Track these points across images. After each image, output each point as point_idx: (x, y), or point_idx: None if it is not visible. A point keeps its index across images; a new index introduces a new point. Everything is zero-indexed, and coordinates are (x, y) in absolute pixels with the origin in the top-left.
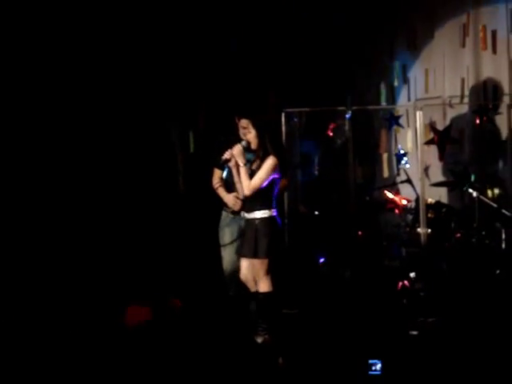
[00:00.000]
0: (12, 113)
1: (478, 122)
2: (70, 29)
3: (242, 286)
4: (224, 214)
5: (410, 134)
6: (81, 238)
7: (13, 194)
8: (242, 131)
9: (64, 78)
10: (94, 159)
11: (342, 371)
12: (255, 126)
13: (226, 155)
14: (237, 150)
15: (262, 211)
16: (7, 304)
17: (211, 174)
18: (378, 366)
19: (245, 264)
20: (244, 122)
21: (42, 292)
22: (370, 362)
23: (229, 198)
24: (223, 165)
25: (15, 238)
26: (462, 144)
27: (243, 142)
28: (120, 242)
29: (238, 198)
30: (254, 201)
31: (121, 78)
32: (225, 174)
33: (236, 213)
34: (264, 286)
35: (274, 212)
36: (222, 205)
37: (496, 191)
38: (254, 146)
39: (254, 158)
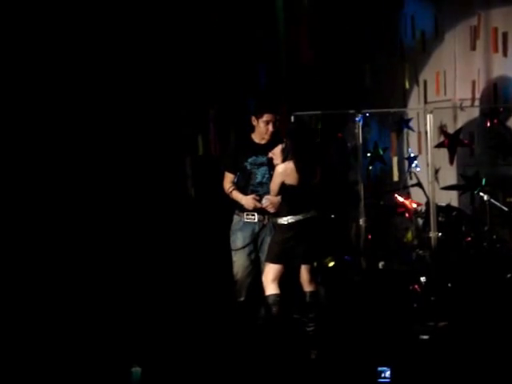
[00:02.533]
0: (16, 113)
1: (488, 124)
2: (75, 30)
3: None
4: (236, 218)
5: (420, 137)
6: (86, 241)
7: (21, 197)
8: (264, 128)
9: (71, 81)
10: (100, 162)
11: (350, 377)
12: (288, 132)
13: (270, 154)
14: (277, 149)
15: (278, 217)
16: (7, 304)
17: (222, 178)
18: (387, 374)
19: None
20: (269, 116)
21: (44, 293)
22: (379, 369)
23: (247, 200)
24: (235, 168)
25: (17, 240)
26: (472, 147)
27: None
28: (127, 246)
29: (256, 199)
30: (279, 206)
31: (129, 81)
32: (235, 178)
33: (250, 217)
34: (269, 289)
35: (288, 219)
36: (237, 208)
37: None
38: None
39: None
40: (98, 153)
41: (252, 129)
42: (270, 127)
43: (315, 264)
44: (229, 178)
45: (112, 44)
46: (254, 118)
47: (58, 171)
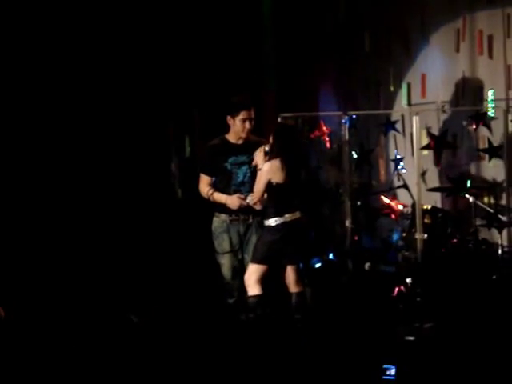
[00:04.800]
0: (12, 113)
1: (474, 127)
2: (68, 30)
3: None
4: (218, 220)
5: (406, 139)
6: (74, 241)
7: (12, 195)
8: (241, 126)
9: (60, 81)
10: (88, 162)
11: (336, 378)
12: (275, 132)
13: (254, 162)
14: (258, 153)
15: (265, 219)
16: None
17: (198, 181)
18: (393, 371)
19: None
20: (246, 114)
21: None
22: (385, 366)
23: (232, 200)
24: (212, 171)
25: (14, 238)
26: (456, 149)
27: (266, 146)
28: (114, 247)
29: (241, 198)
30: (265, 207)
31: (117, 82)
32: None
33: (235, 218)
34: (252, 290)
35: (276, 220)
36: (217, 210)
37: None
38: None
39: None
40: (82, 152)
41: (227, 129)
42: (247, 125)
43: (301, 265)
44: (205, 181)
45: (101, 47)
46: (229, 118)
47: (50, 170)
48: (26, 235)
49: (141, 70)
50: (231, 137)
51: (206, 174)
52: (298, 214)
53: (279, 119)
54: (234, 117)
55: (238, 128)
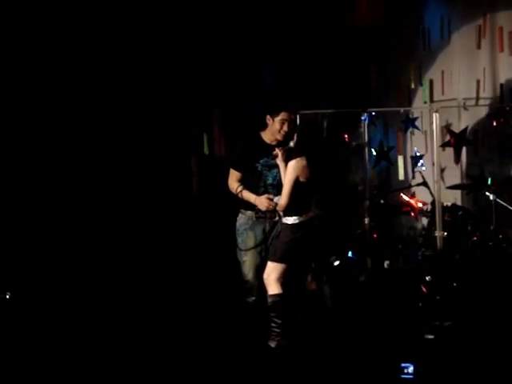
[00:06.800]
0: (18, 114)
1: (495, 124)
2: (80, 30)
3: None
4: (243, 217)
5: (426, 137)
6: (89, 239)
7: (16, 196)
8: (279, 127)
9: (76, 80)
10: (106, 161)
11: (353, 376)
12: (299, 130)
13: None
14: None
15: (286, 217)
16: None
17: (227, 176)
18: (411, 369)
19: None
20: (286, 115)
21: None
22: (403, 365)
23: (261, 200)
24: (243, 167)
25: (22, 240)
26: (476, 146)
27: (291, 143)
28: (131, 244)
29: (270, 198)
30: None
31: (134, 79)
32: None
33: (261, 216)
34: (272, 289)
35: (297, 218)
36: (243, 207)
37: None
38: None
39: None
40: (100, 151)
41: (263, 127)
42: (285, 127)
43: (320, 263)
44: (235, 177)
45: (119, 46)
46: (268, 117)
47: (61, 171)
48: (49, 228)
49: (161, 67)
50: (266, 137)
51: (236, 169)
52: (316, 211)
53: (298, 117)
54: (273, 117)
55: (275, 129)
